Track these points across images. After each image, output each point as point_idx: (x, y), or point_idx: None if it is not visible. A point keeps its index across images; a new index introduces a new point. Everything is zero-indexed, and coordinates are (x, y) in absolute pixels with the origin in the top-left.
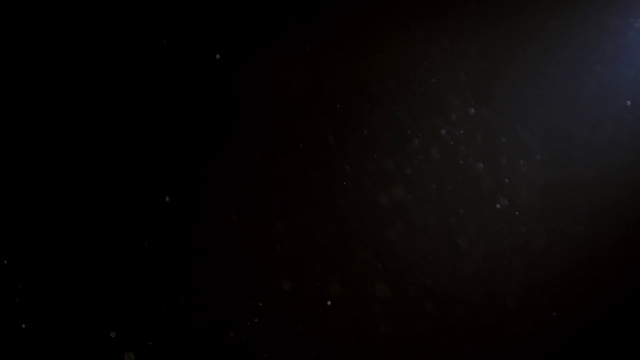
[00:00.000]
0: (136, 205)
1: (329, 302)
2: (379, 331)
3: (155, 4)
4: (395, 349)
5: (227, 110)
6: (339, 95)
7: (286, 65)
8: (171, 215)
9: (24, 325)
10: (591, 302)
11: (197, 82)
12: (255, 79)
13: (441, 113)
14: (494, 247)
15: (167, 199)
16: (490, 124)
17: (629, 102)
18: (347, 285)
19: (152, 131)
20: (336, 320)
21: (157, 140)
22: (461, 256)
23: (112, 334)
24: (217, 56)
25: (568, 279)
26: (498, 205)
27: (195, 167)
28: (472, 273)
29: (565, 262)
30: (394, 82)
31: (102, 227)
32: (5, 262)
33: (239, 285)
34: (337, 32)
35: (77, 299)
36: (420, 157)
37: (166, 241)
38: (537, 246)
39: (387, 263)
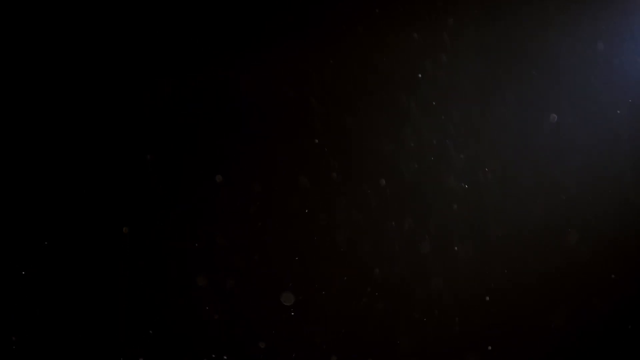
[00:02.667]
0: (137, 206)
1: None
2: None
3: (157, 4)
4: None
5: (227, 110)
6: (339, 94)
7: (287, 65)
8: (171, 215)
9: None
10: (591, 302)
11: (197, 82)
12: (255, 78)
13: (441, 114)
14: (492, 247)
15: (168, 198)
16: (491, 124)
17: (630, 102)
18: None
19: (153, 131)
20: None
21: (157, 140)
22: (459, 254)
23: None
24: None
25: (567, 279)
26: (501, 207)
27: (195, 167)
28: (471, 272)
29: (565, 262)
30: (395, 81)
31: (103, 227)
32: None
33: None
34: (337, 31)
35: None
36: (420, 158)
37: (165, 241)
38: (538, 246)
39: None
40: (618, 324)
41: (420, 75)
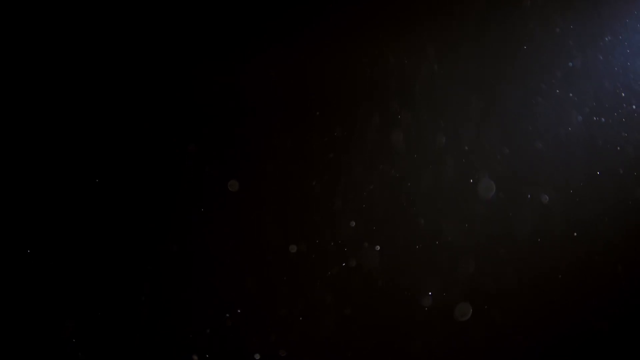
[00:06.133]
0: (137, 206)
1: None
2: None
3: (158, 4)
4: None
5: (228, 110)
6: (340, 95)
7: (286, 65)
8: (171, 214)
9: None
10: (587, 304)
11: (198, 82)
12: (255, 78)
13: (441, 114)
14: (492, 247)
15: (168, 199)
16: (489, 124)
17: (634, 106)
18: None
19: (153, 132)
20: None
21: (158, 141)
22: (458, 255)
23: None
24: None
25: (564, 281)
26: (502, 209)
27: (195, 166)
28: (470, 272)
29: (562, 263)
30: (395, 82)
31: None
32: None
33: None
34: (337, 31)
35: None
36: (419, 159)
37: (165, 241)
38: (535, 247)
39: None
40: (618, 323)
41: (420, 75)
